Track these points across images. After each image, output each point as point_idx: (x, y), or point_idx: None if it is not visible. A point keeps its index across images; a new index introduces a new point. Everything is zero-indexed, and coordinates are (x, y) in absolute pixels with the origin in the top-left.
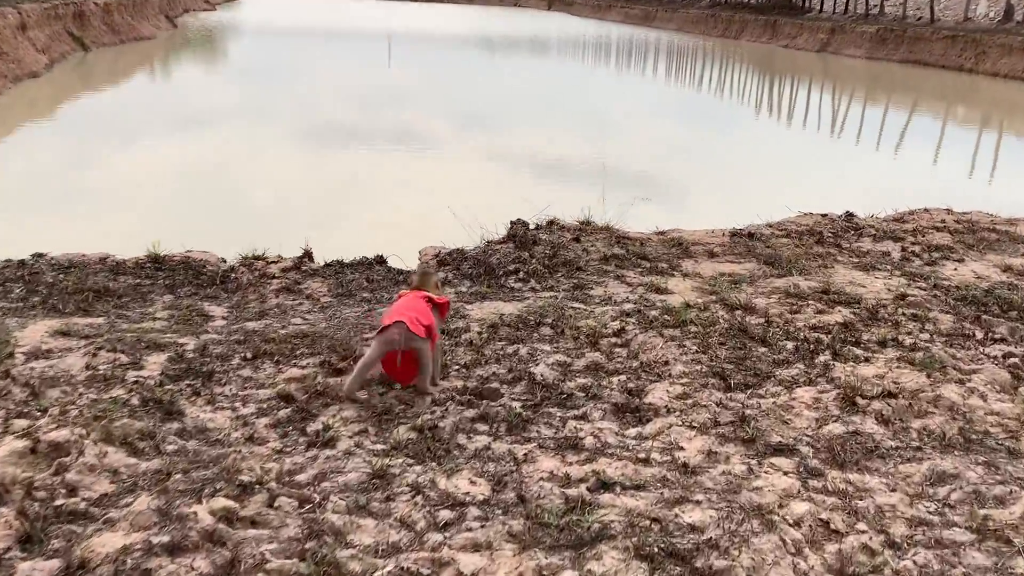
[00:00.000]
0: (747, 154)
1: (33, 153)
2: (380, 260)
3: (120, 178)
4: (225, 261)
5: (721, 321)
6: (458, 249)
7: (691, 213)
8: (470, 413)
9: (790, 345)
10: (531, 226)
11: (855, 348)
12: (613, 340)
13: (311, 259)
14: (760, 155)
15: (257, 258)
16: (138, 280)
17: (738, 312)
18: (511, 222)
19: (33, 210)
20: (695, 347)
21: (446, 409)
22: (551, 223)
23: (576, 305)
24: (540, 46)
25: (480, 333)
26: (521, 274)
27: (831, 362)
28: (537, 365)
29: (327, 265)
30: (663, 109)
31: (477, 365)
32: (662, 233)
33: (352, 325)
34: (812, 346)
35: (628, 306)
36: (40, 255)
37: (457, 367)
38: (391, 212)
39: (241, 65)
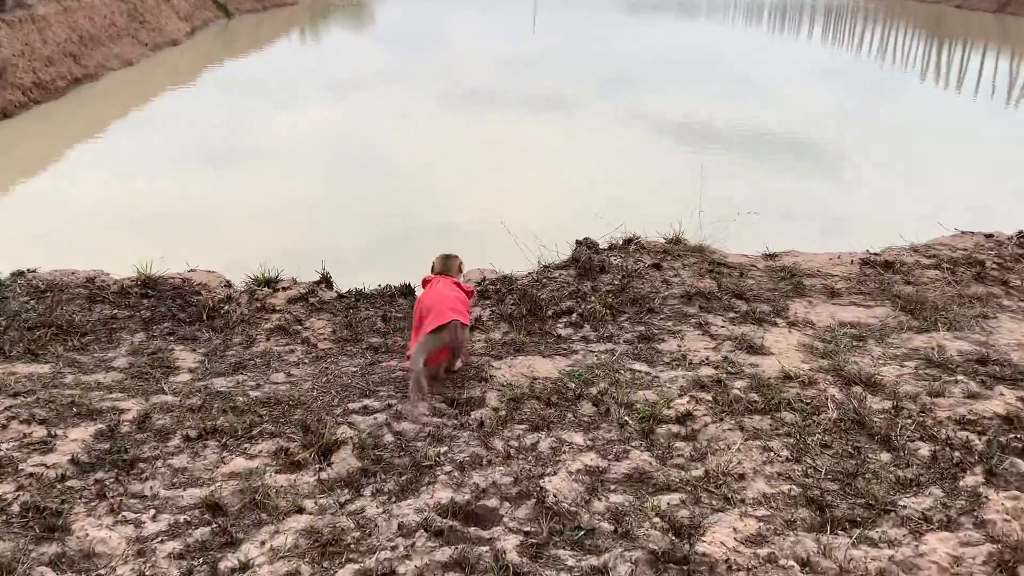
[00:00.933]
0: (904, 131)
1: (173, 118)
2: (405, 291)
3: (265, 141)
4: (230, 285)
5: (830, 406)
6: (505, 277)
7: (817, 221)
8: (443, 555)
9: (924, 451)
10: (602, 246)
11: (1023, 462)
12: (674, 429)
13: (329, 285)
14: (919, 134)
15: (268, 282)
16: (115, 311)
17: (856, 390)
18: (577, 242)
19: (173, 169)
20: (787, 450)
21: (412, 545)
22: (629, 242)
23: (636, 367)
24: (689, 8)
25: (496, 410)
26: (575, 316)
27: (983, 488)
28: (556, 474)
29: (341, 297)
30: (813, 77)
31: (477, 466)
32: (772, 257)
33: (341, 388)
34: (957, 456)
35: (706, 371)
36: (21, 273)
37: (451, 466)
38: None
39: (386, 30)
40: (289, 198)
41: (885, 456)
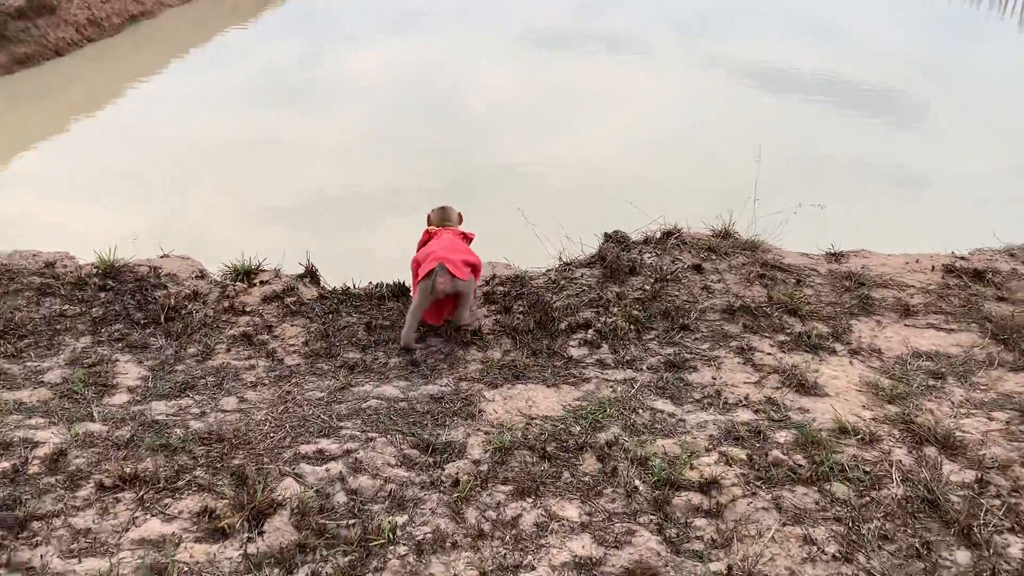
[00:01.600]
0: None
1: (234, 56)
2: (398, 292)
3: (329, 78)
4: (203, 275)
5: (895, 476)
6: (518, 277)
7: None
8: None
9: (1016, 549)
10: (635, 238)
11: None
12: (695, 500)
13: (314, 280)
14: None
15: (248, 272)
16: (65, 306)
17: (930, 452)
18: (605, 236)
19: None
20: (835, 542)
21: None
22: (668, 235)
23: (659, 405)
24: None
25: (478, 463)
26: (591, 332)
27: None
28: (535, 568)
29: (322, 297)
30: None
31: (440, 548)
32: (837, 258)
33: (299, 421)
34: None
35: (743, 415)
36: None
37: (407, 547)
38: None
39: None
40: (352, 136)
41: (963, 556)
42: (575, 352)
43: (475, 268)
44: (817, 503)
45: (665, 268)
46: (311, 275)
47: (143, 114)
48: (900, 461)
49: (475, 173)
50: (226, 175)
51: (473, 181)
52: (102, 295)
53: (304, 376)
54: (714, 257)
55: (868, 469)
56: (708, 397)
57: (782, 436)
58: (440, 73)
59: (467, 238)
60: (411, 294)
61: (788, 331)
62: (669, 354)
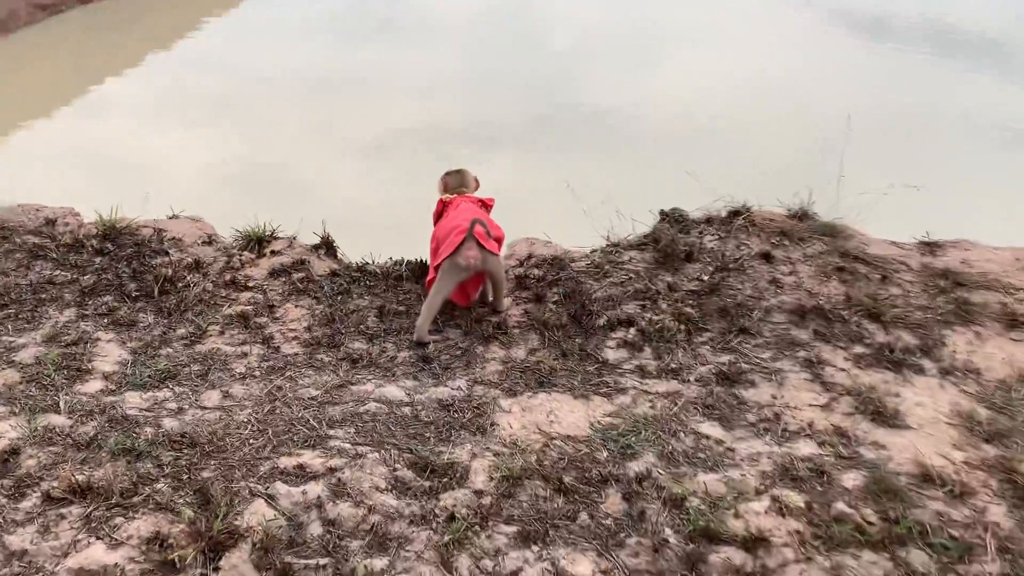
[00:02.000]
0: None
1: None
2: (420, 271)
3: (412, 12)
4: (212, 241)
5: (989, 545)
6: (555, 259)
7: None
8: None
9: None
10: (697, 217)
11: None
12: (737, 560)
13: (330, 252)
14: None
15: (260, 239)
16: (57, 271)
17: None
18: (661, 214)
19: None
20: None
21: None
22: (735, 215)
23: (705, 428)
24: None
25: (480, 495)
26: (633, 331)
27: None
28: None
29: (334, 274)
30: None
31: None
32: (931, 248)
33: (285, 425)
34: None
35: (805, 448)
36: None
37: None
38: None
39: None
40: (436, 71)
41: None
42: (612, 355)
43: (499, 240)
44: (893, 566)
45: (728, 255)
46: (327, 246)
47: (222, 45)
48: (997, 525)
49: (556, 112)
50: (308, 109)
51: (552, 121)
52: (97, 260)
53: (300, 369)
54: (786, 243)
55: (956, 534)
56: (765, 421)
57: (850, 479)
58: (527, 8)
59: (486, 205)
60: (428, 280)
61: (867, 341)
62: (723, 363)
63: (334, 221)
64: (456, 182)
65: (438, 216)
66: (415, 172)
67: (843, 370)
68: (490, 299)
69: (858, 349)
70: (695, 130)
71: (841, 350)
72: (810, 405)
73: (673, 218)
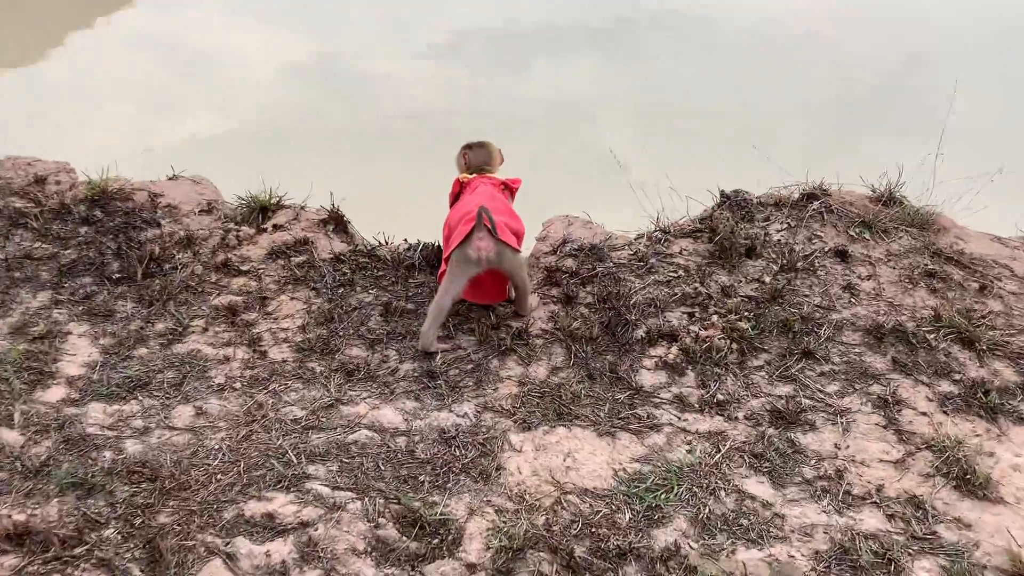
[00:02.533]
0: None
1: None
2: (434, 259)
3: None
4: (212, 208)
5: None
6: (593, 248)
7: None
8: None
9: None
10: (763, 200)
11: None
12: None
13: (339, 228)
14: None
15: (264, 208)
16: (36, 243)
17: None
18: (721, 196)
19: None
20: None
21: None
22: (809, 198)
23: (750, 486)
24: None
25: (472, 570)
26: (675, 350)
27: None
28: None
29: (338, 260)
30: None
31: None
32: None
33: (261, 456)
34: None
35: (870, 521)
36: None
37: None
38: None
39: None
40: None
41: None
42: (648, 378)
43: (518, 235)
44: None
45: (796, 250)
46: (336, 221)
47: None
48: None
49: (636, 14)
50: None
51: (632, 24)
52: (83, 231)
53: (287, 381)
54: (867, 236)
55: None
56: (824, 479)
57: (924, 569)
58: None
59: (509, 189)
60: (439, 272)
61: (957, 376)
62: (780, 396)
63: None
64: (479, 158)
65: (454, 198)
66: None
67: (924, 414)
68: (513, 296)
69: (944, 386)
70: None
71: (923, 387)
72: (881, 460)
73: (735, 202)
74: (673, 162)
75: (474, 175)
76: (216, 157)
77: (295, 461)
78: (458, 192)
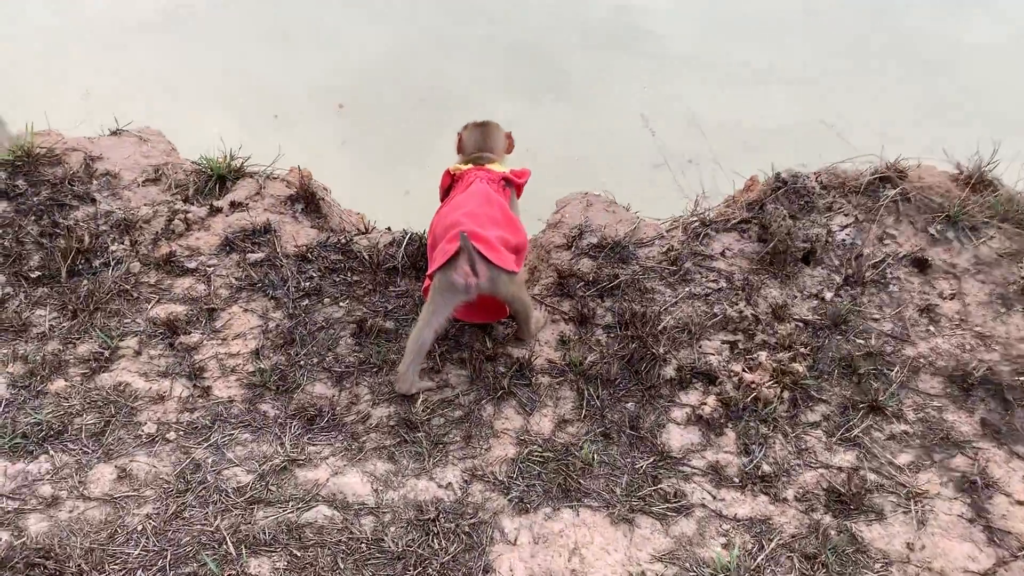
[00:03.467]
0: None
1: None
2: (419, 261)
3: None
4: (160, 175)
5: None
6: (616, 246)
7: None
8: None
9: None
10: (819, 185)
11: None
12: None
13: (310, 208)
14: None
15: (222, 178)
16: None
17: None
18: (776, 178)
19: None
20: None
21: None
22: (883, 181)
23: None
24: None
25: None
26: (712, 402)
27: None
28: None
29: (304, 259)
30: None
31: None
32: None
33: (191, 541)
34: None
35: None
36: None
37: None
38: None
39: None
40: None
41: None
42: (677, 437)
43: (518, 251)
44: None
45: (865, 257)
46: (307, 199)
47: None
48: None
49: None
50: None
51: None
52: (3, 207)
53: (233, 429)
54: (950, 235)
55: None
56: None
57: None
58: None
59: (512, 183)
60: (424, 287)
61: None
62: (840, 468)
63: None
64: (475, 143)
65: (445, 193)
66: None
67: (1021, 504)
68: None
69: None
70: None
71: (1020, 461)
72: (965, 571)
73: (791, 188)
74: (720, 132)
75: (469, 166)
76: (174, 100)
77: (233, 554)
78: (449, 186)
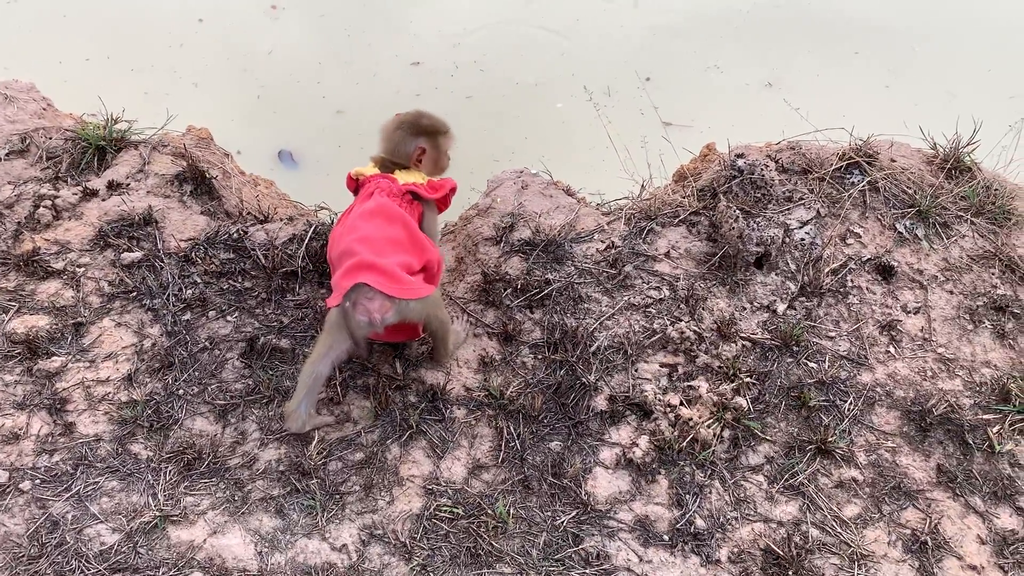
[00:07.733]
0: None
1: None
2: (321, 264)
3: None
4: (27, 147)
5: None
6: (550, 244)
7: None
8: None
9: None
10: (779, 170)
11: None
12: None
13: (202, 191)
14: None
15: (103, 148)
16: None
17: None
18: (732, 164)
19: None
20: None
21: None
22: (851, 166)
23: None
24: None
25: None
26: (644, 443)
27: None
28: None
29: (187, 261)
30: None
31: None
32: None
33: None
34: None
35: None
36: None
37: None
38: None
39: None
40: None
41: None
42: (605, 485)
43: (428, 269)
44: None
45: (824, 261)
46: (197, 180)
47: None
48: None
49: None
50: None
51: None
52: None
53: (100, 475)
54: (919, 234)
55: None
56: None
57: None
58: None
59: (423, 199)
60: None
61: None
62: (780, 523)
63: None
64: (388, 143)
65: (355, 193)
66: None
67: (973, 570)
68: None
69: (1004, 519)
70: None
71: (976, 516)
72: None
73: (744, 177)
74: (671, 101)
75: (376, 171)
76: (52, 43)
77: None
78: (355, 191)
